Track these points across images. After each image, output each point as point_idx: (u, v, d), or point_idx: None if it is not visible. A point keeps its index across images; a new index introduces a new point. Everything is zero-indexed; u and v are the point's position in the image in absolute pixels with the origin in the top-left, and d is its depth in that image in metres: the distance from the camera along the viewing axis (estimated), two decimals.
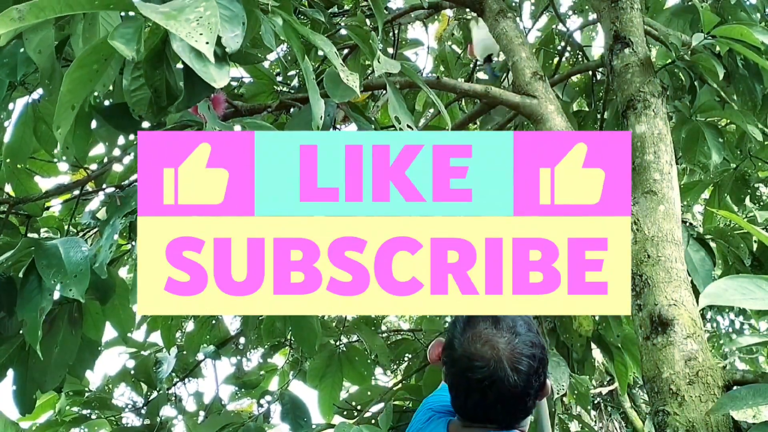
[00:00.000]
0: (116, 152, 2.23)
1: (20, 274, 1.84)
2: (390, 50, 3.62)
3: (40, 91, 2.10)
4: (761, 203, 4.20)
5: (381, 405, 2.97)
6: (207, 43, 1.16)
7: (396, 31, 3.66)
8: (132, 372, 3.44)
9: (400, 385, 3.28)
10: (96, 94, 1.76)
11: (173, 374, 3.57)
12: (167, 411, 3.47)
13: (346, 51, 3.38)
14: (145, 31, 1.32)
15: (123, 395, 3.46)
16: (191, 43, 1.16)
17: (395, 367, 3.97)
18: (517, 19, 3.00)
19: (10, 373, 2.07)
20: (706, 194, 4.11)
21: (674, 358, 1.79)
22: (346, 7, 3.55)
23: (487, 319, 1.42)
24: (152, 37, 1.35)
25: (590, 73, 3.83)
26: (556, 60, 3.99)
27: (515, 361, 1.36)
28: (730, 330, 7.18)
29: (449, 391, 1.47)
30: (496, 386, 1.35)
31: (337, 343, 3.47)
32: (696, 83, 2.75)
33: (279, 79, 3.11)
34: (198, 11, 1.20)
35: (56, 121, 1.34)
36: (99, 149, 2.45)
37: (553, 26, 4.19)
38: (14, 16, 1.18)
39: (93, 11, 1.46)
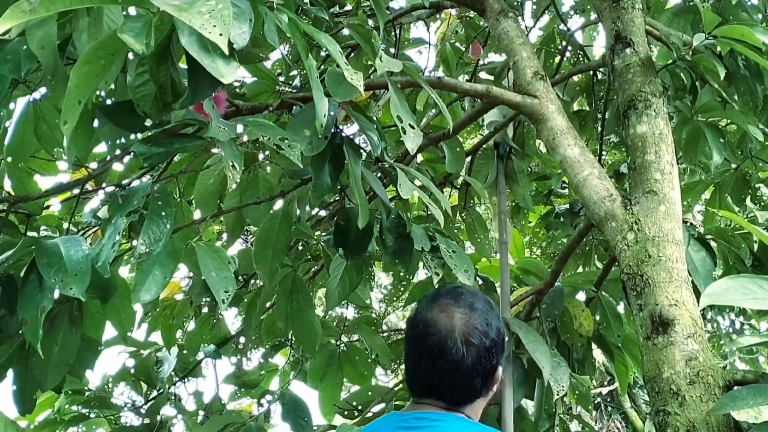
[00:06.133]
0: (117, 151, 2.22)
1: (21, 273, 1.83)
2: (392, 50, 3.62)
3: (41, 90, 2.10)
4: (762, 203, 4.20)
5: (382, 405, 2.97)
6: (221, 35, 1.15)
7: (398, 31, 3.66)
8: (132, 371, 3.44)
9: (401, 385, 3.27)
10: (98, 92, 1.76)
11: (173, 373, 3.56)
12: (167, 410, 3.47)
13: (347, 50, 3.37)
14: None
15: (123, 394, 3.46)
16: (205, 34, 1.15)
17: (396, 366, 3.97)
18: (519, 18, 2.99)
19: (10, 372, 2.07)
20: (706, 194, 4.11)
21: (675, 358, 1.79)
22: (348, 7, 3.54)
23: (449, 293, 1.45)
24: (157, 33, 1.35)
25: (591, 72, 3.83)
26: (557, 60, 3.99)
27: (467, 334, 1.38)
28: (731, 330, 7.19)
29: (405, 363, 1.48)
30: (444, 356, 1.37)
31: (338, 343, 3.47)
32: (697, 83, 2.75)
33: (281, 78, 3.11)
34: (210, 4, 1.20)
35: (63, 116, 1.34)
36: (99, 148, 2.45)
37: (555, 26, 4.19)
38: (25, 8, 1.18)
39: (101, 5, 1.45)
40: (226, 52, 1.19)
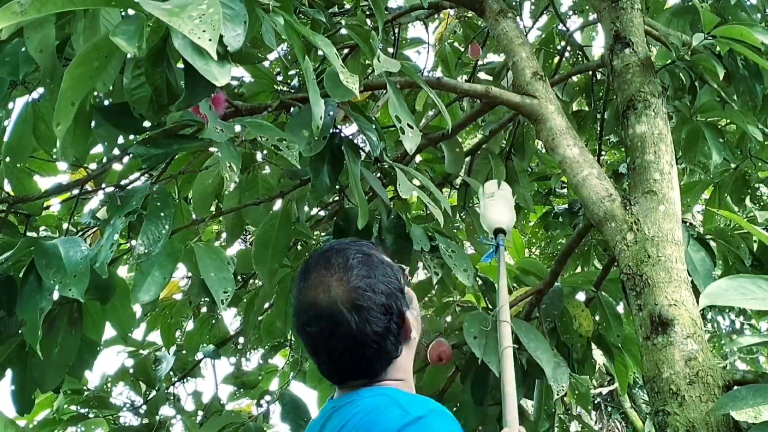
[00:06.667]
0: (116, 151, 2.23)
1: (20, 274, 1.83)
2: (390, 50, 3.62)
3: (40, 90, 2.10)
4: (761, 203, 4.20)
5: None
6: (210, 40, 1.15)
7: (396, 31, 3.66)
8: (131, 371, 3.44)
9: None
10: (96, 93, 1.76)
11: (172, 373, 3.56)
12: (166, 410, 3.47)
13: (346, 50, 3.37)
14: (146, 29, 1.32)
15: (122, 394, 3.46)
16: (194, 40, 1.15)
17: None
18: (517, 18, 2.99)
19: (9, 372, 2.07)
20: (706, 194, 4.11)
21: (674, 358, 1.79)
22: (347, 7, 3.54)
23: (319, 260, 1.27)
24: (153, 35, 1.35)
25: (590, 73, 3.83)
26: (556, 60, 3.99)
27: (352, 300, 1.20)
28: (731, 330, 7.19)
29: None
30: (338, 334, 1.19)
31: None
32: (696, 83, 2.75)
33: (279, 78, 3.11)
34: (201, 8, 1.20)
35: (56, 117, 1.33)
36: (99, 148, 2.45)
37: (554, 26, 4.20)
38: (16, 9, 1.17)
39: (94, 7, 1.45)
40: (215, 58, 1.18)
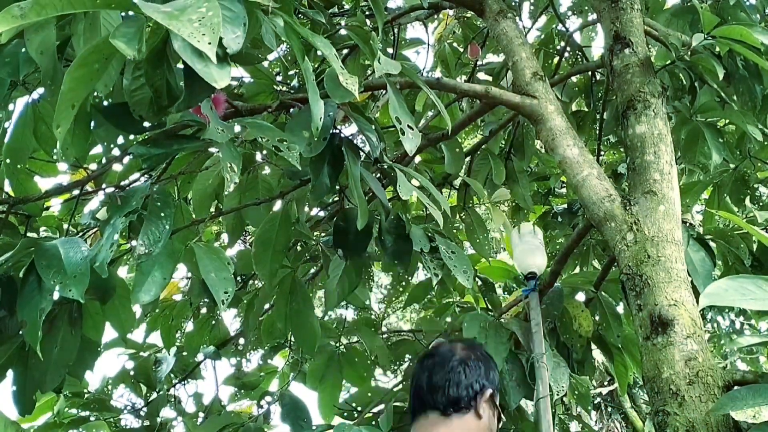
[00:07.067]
0: (116, 152, 2.23)
1: (20, 274, 1.83)
2: (390, 50, 3.62)
3: (40, 90, 2.10)
4: (761, 203, 4.20)
5: (382, 406, 2.97)
6: (209, 43, 1.15)
7: (396, 31, 3.67)
8: (131, 373, 3.43)
9: (400, 386, 3.27)
10: (96, 94, 1.76)
11: (173, 375, 3.56)
12: (167, 412, 3.46)
13: (346, 51, 3.38)
14: (146, 31, 1.32)
15: (122, 396, 3.45)
16: (194, 43, 1.15)
17: (395, 368, 3.97)
18: (517, 18, 2.99)
19: (10, 373, 2.07)
20: (705, 194, 4.11)
21: (674, 358, 1.79)
22: (347, 7, 3.54)
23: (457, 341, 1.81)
24: (153, 37, 1.35)
25: (589, 73, 3.84)
26: (555, 60, 4.00)
27: (465, 358, 1.67)
28: (731, 330, 7.19)
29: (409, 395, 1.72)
30: (441, 366, 1.64)
31: (337, 344, 3.47)
32: (696, 84, 2.75)
33: (279, 79, 3.11)
34: (200, 11, 1.20)
35: (56, 119, 1.34)
36: (99, 149, 2.44)
37: (553, 26, 4.20)
38: (16, 13, 1.17)
39: (94, 10, 1.45)
40: (214, 61, 1.19)
